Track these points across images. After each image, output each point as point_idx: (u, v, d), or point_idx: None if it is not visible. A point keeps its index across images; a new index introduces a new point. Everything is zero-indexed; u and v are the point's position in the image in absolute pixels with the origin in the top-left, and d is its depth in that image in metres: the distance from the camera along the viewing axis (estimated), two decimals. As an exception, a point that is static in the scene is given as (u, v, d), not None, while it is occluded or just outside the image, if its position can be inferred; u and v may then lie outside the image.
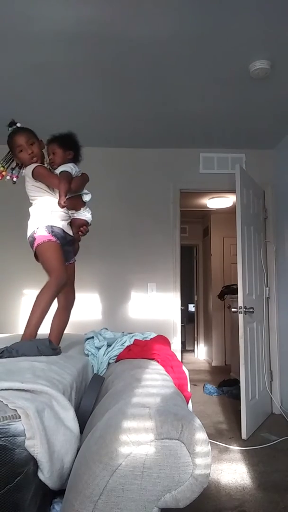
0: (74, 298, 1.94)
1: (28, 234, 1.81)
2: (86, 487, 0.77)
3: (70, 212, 1.88)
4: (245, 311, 3.19)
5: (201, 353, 7.27)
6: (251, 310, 3.25)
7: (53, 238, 1.74)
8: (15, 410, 0.84)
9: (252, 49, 2.45)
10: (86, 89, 2.90)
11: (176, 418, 0.82)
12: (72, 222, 1.92)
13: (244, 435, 3.00)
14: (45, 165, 1.88)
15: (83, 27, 2.24)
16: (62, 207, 1.74)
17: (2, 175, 1.86)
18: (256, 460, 2.63)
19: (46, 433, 0.87)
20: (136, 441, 0.79)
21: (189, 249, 7.51)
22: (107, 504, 0.76)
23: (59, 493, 0.95)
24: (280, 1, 2.05)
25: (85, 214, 1.98)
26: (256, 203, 3.72)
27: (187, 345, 7.98)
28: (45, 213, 1.78)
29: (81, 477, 0.79)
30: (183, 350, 5.72)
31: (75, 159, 1.95)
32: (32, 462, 0.83)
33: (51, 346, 1.54)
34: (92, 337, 1.92)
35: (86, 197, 1.99)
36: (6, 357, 1.39)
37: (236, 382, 3.97)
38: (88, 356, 1.77)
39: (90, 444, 0.85)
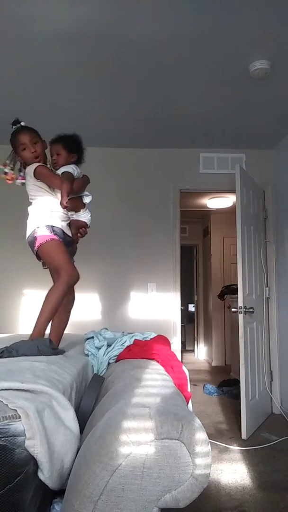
0: (73, 298, 1.94)
1: (28, 233, 1.80)
2: (86, 487, 0.77)
3: (69, 213, 1.89)
4: (245, 311, 3.19)
5: (201, 353, 7.27)
6: (251, 310, 3.25)
7: (56, 237, 1.74)
8: (15, 410, 0.84)
9: (252, 49, 2.45)
10: (86, 89, 2.90)
11: (176, 418, 0.82)
12: (72, 224, 1.93)
13: (244, 435, 3.00)
14: (47, 165, 1.88)
15: (83, 27, 2.24)
16: (64, 207, 1.74)
17: (12, 177, 1.86)
18: (256, 460, 2.63)
19: (46, 433, 0.87)
20: (136, 441, 0.79)
21: (189, 249, 7.51)
22: (107, 504, 0.76)
23: (59, 493, 0.95)
24: (280, 1, 2.05)
25: (84, 216, 1.98)
26: (256, 203, 3.72)
27: (187, 345, 7.98)
28: (45, 213, 1.78)
29: (81, 477, 0.79)
30: (183, 350, 5.72)
31: (77, 162, 1.95)
32: (32, 462, 0.83)
33: (52, 346, 1.54)
34: (92, 337, 1.92)
35: (87, 199, 1.99)
36: (6, 357, 1.39)
37: (236, 382, 3.97)
38: (88, 356, 1.77)
39: (90, 444, 0.85)
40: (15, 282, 3.70)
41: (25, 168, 1.86)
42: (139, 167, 3.91)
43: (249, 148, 3.92)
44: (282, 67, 2.60)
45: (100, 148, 3.73)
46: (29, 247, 1.81)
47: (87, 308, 3.59)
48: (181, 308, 3.88)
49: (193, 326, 7.82)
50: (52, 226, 1.76)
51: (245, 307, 3.19)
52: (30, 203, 1.85)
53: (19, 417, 0.83)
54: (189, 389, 1.59)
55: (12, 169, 1.87)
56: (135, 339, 1.82)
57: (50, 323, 1.79)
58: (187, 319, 8.33)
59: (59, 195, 1.76)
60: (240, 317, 3.16)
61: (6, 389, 0.93)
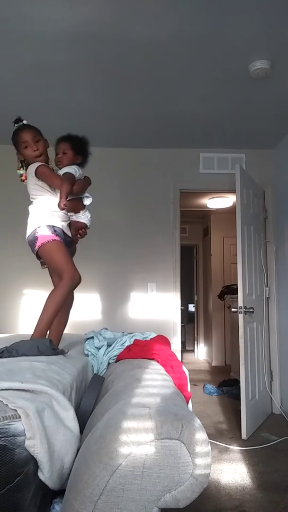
0: (73, 298, 1.94)
1: (28, 233, 1.79)
2: (86, 487, 0.77)
3: (69, 214, 1.88)
4: (245, 311, 3.19)
5: (201, 353, 7.27)
6: (251, 310, 3.25)
7: (57, 238, 1.74)
8: (15, 410, 0.84)
9: (252, 49, 2.45)
10: (86, 89, 2.90)
11: (176, 418, 0.82)
12: (71, 224, 1.92)
13: (244, 435, 3.00)
14: (49, 164, 1.87)
15: (83, 27, 2.24)
16: (62, 209, 1.73)
17: (26, 176, 1.85)
18: (256, 460, 2.63)
19: (46, 433, 0.87)
20: (136, 441, 0.79)
21: (189, 249, 7.51)
22: (107, 504, 0.76)
23: (59, 493, 0.95)
24: (280, 1, 2.05)
25: (84, 217, 1.98)
26: (256, 203, 3.72)
27: (187, 345, 7.98)
28: (46, 213, 1.78)
29: (81, 477, 0.79)
30: (183, 350, 5.72)
31: (80, 164, 1.95)
32: (32, 462, 0.83)
33: (52, 346, 1.54)
34: (92, 337, 1.92)
35: (87, 201, 1.98)
36: (6, 357, 1.39)
37: (236, 382, 3.97)
38: (88, 356, 1.77)
39: (90, 444, 0.85)
40: (15, 282, 3.70)
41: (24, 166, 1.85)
42: (139, 167, 3.91)
43: (249, 148, 3.92)
44: (282, 67, 2.60)
45: (100, 148, 3.71)
46: (29, 247, 1.80)
47: (87, 308, 3.59)
48: (181, 308, 3.88)
49: (193, 326, 7.82)
50: (53, 226, 1.75)
51: (245, 307, 3.19)
52: (30, 202, 1.85)
53: (19, 417, 0.83)
54: (189, 389, 1.59)
55: (23, 168, 1.86)
56: (135, 339, 1.82)
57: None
58: (187, 319, 8.33)
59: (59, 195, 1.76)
60: (240, 317, 3.16)
61: (6, 389, 0.93)
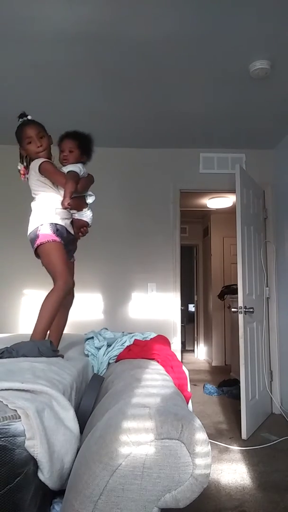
0: (73, 298, 1.93)
1: (30, 230, 1.78)
2: (86, 487, 0.77)
3: (72, 211, 1.88)
4: (245, 311, 3.19)
5: (201, 353, 7.27)
6: (251, 310, 3.25)
7: (57, 238, 1.73)
8: (15, 410, 0.84)
9: (252, 49, 2.45)
10: (86, 89, 2.90)
11: (176, 418, 0.82)
12: (73, 222, 1.92)
13: (244, 435, 3.00)
14: (52, 161, 1.86)
15: (83, 27, 2.24)
16: (65, 208, 1.73)
17: (25, 172, 1.84)
18: (256, 460, 2.63)
19: (46, 433, 0.87)
20: (136, 441, 0.79)
21: (189, 249, 7.51)
22: (107, 504, 0.76)
23: (59, 493, 0.95)
24: (280, 1, 2.05)
25: (86, 215, 1.97)
26: (256, 203, 3.72)
27: (187, 345, 7.98)
28: (49, 210, 1.76)
29: (81, 477, 0.79)
30: (183, 350, 5.72)
31: (84, 162, 1.95)
32: (32, 462, 0.83)
33: (52, 348, 1.54)
34: (92, 337, 1.92)
35: (90, 199, 1.98)
36: (6, 358, 1.39)
37: (236, 382, 3.97)
38: (88, 356, 1.77)
39: (90, 444, 0.85)
40: (15, 282, 3.69)
41: (26, 161, 1.84)
42: (139, 167, 3.91)
43: (249, 148, 3.92)
44: (282, 67, 2.60)
45: (100, 148, 3.69)
46: (30, 243, 1.79)
47: (87, 308, 3.59)
48: (181, 308, 3.88)
49: (193, 326, 7.82)
50: (56, 224, 1.74)
51: (245, 307, 3.19)
52: (33, 199, 1.83)
53: (19, 417, 0.83)
54: (189, 389, 1.59)
55: (25, 164, 1.85)
56: (135, 339, 1.82)
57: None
58: (187, 319, 8.33)
59: (62, 192, 1.75)
60: (240, 317, 3.16)
61: (6, 389, 0.93)
